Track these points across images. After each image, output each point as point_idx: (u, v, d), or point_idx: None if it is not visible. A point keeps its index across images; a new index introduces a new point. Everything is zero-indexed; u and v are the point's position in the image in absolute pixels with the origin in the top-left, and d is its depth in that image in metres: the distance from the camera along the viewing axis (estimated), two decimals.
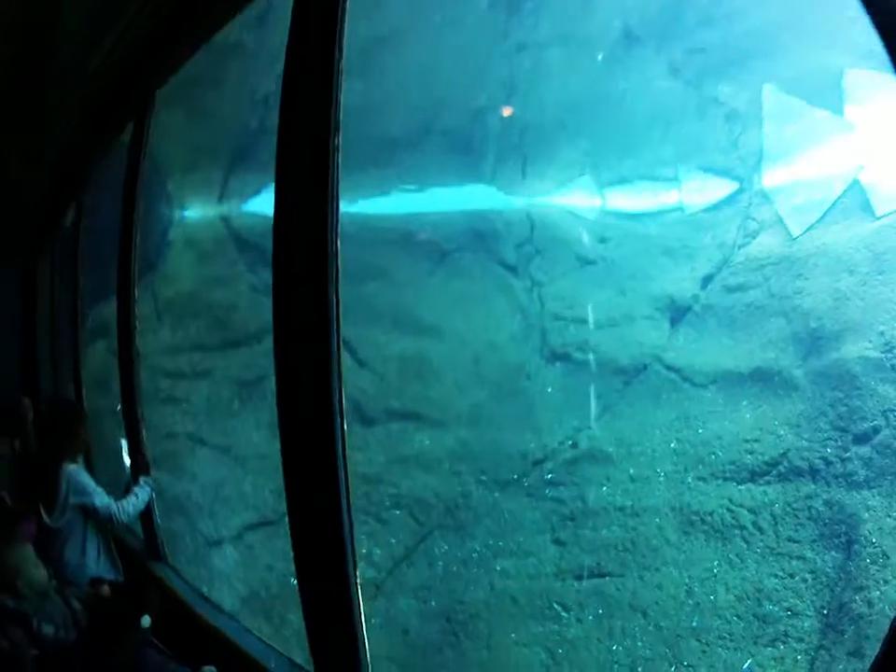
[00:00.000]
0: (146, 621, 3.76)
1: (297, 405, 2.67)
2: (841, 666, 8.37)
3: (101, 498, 4.80)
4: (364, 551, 10.09)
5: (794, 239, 13.26)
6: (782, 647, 8.78)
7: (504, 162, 13.91)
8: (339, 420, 2.56)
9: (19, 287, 8.59)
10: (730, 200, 14.75)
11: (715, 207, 14.80)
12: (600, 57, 14.19)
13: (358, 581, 2.68)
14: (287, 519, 11.04)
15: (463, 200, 14.20)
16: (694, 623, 9.36)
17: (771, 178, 14.44)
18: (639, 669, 9.06)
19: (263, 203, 12.82)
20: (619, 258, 13.79)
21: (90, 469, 6.33)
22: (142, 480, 5.11)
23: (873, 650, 8.19)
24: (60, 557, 4.69)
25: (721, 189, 14.90)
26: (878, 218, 12.37)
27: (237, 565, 9.97)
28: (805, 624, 8.88)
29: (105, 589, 4.09)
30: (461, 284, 13.30)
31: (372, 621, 9.47)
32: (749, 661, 8.81)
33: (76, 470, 4.85)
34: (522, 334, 12.54)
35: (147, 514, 5.21)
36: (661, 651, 9.18)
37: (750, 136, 14.69)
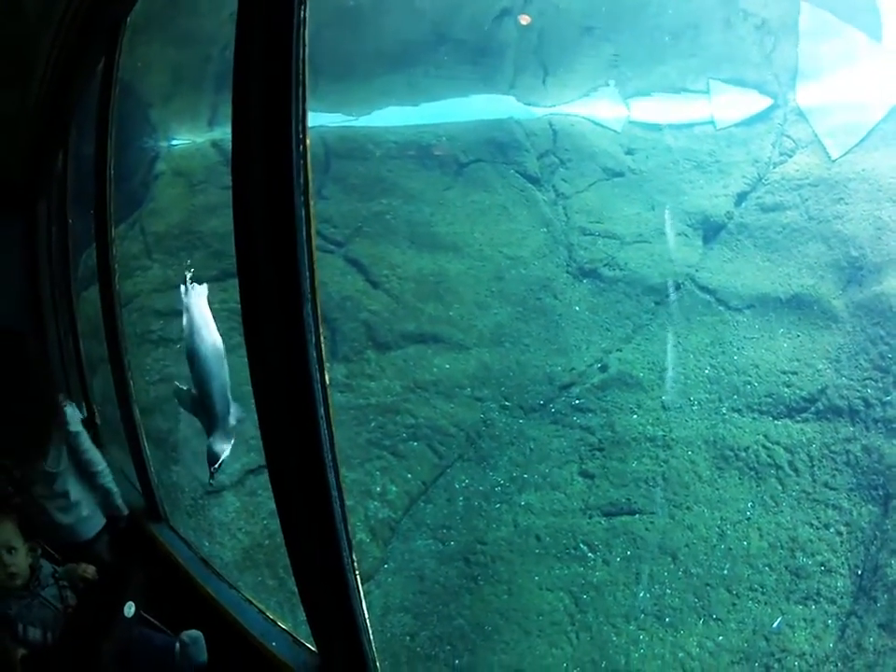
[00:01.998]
0: (129, 609, 3.45)
1: (266, 345, 2.35)
2: (871, 639, 7.94)
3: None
4: (378, 489, 9.36)
5: (833, 161, 12.64)
6: (813, 607, 8.40)
7: (523, 70, 12.89)
8: (316, 356, 2.16)
9: (21, 235, 7.91)
10: (763, 116, 13.90)
11: (748, 122, 13.93)
12: None
13: (354, 558, 2.35)
14: None
15: (480, 110, 13.19)
16: (725, 572, 8.90)
17: (806, 96, 13.72)
18: (667, 620, 8.52)
19: None
20: (647, 170, 12.93)
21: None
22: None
23: None
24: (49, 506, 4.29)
25: (753, 103, 14.01)
26: None
27: (238, 513, 9.20)
28: (838, 584, 8.51)
29: (91, 570, 3.66)
30: (480, 197, 12.30)
31: (386, 565, 8.91)
32: (779, 619, 8.38)
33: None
34: (547, 249, 11.61)
35: (143, 472, 4.67)
36: (689, 600, 8.68)
37: (784, 51, 13.84)
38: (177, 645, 3.53)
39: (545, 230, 11.70)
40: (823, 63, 13.48)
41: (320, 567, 2.37)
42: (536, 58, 12.95)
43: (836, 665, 7.88)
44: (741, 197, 12.67)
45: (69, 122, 5.57)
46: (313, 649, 2.86)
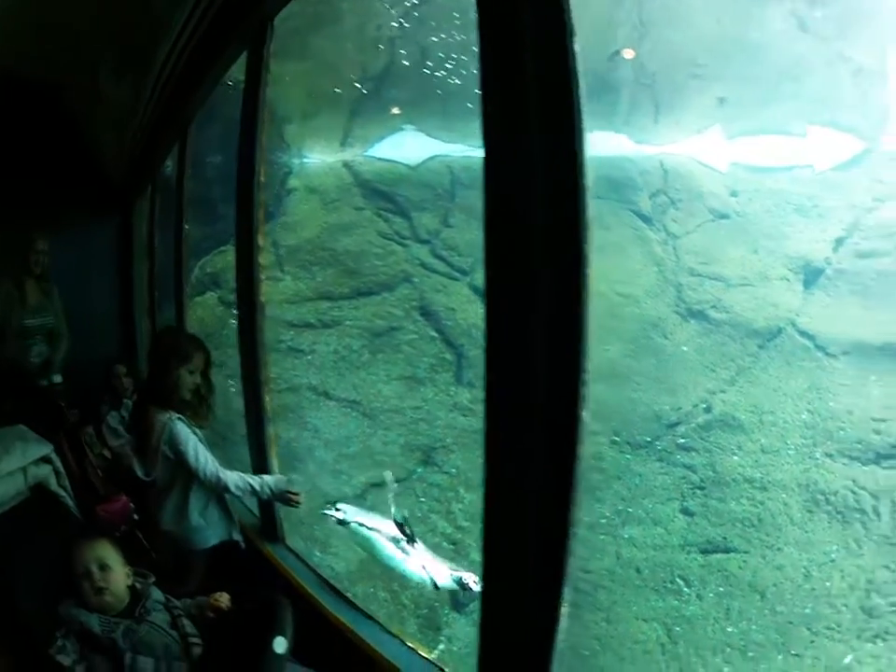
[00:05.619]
0: (280, 646, 2.63)
1: None
2: None
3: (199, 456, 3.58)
4: None
5: None
6: (882, 644, 8.45)
7: (636, 109, 12.52)
8: None
9: (115, 235, 7.69)
10: (858, 160, 13.37)
11: (843, 166, 13.42)
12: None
13: None
14: (415, 476, 10.03)
15: (595, 146, 12.70)
16: (807, 610, 8.89)
17: None
18: (750, 654, 8.59)
19: (391, 149, 12.02)
20: (751, 213, 12.57)
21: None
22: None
23: None
24: (158, 518, 3.70)
25: (848, 147, 13.46)
26: None
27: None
28: None
29: (225, 599, 2.97)
30: (596, 234, 11.85)
31: None
32: (850, 656, 8.47)
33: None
34: (658, 289, 11.42)
35: None
36: (772, 637, 8.71)
37: (878, 96, 13.28)
38: None
39: (657, 269, 11.51)
40: None
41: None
42: (648, 97, 12.66)
43: None
44: (839, 242, 12.30)
45: (188, 124, 5.21)
46: (443, 667, 2.76)
